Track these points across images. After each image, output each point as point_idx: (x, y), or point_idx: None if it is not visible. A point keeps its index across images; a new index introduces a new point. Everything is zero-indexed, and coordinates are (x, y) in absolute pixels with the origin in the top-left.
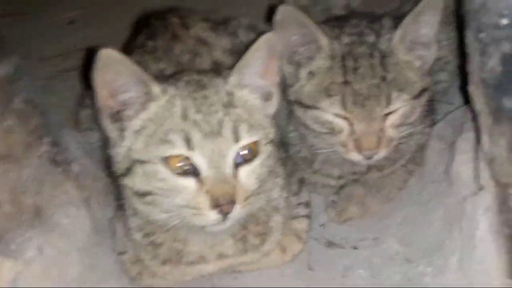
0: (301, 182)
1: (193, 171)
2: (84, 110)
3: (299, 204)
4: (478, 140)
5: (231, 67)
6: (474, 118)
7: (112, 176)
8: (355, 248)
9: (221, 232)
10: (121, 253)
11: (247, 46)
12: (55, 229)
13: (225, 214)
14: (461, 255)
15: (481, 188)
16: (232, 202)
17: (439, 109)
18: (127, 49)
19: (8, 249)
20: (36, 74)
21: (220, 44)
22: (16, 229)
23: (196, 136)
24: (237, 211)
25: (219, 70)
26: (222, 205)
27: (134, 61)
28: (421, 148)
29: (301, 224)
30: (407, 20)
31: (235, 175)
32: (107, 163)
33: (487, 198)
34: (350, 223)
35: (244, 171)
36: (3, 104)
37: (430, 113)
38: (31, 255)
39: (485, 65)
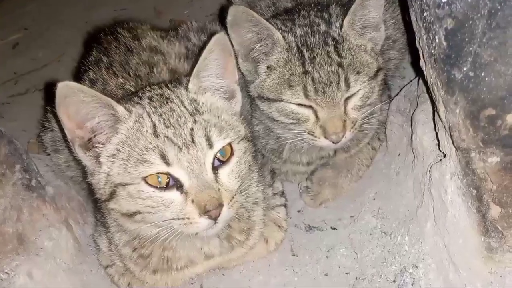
0: (273, 173)
1: (175, 184)
2: (47, 133)
3: (274, 194)
4: (434, 110)
5: (187, 74)
6: (428, 90)
7: (95, 200)
8: (334, 228)
9: (214, 235)
10: (108, 266)
11: (200, 49)
12: (40, 253)
13: (215, 218)
14: (435, 220)
15: (444, 155)
16: (220, 205)
17: (393, 84)
18: (82, 67)
19: None
20: None
21: (174, 51)
22: (3, 258)
23: (171, 152)
24: (226, 213)
25: (178, 78)
26: (211, 210)
27: (90, 78)
28: (382, 124)
29: (279, 213)
30: (355, 6)
31: (216, 179)
32: (89, 190)
33: (451, 164)
34: (326, 206)
35: (224, 173)
36: None
37: (385, 90)
38: (22, 282)
39: (431, 42)
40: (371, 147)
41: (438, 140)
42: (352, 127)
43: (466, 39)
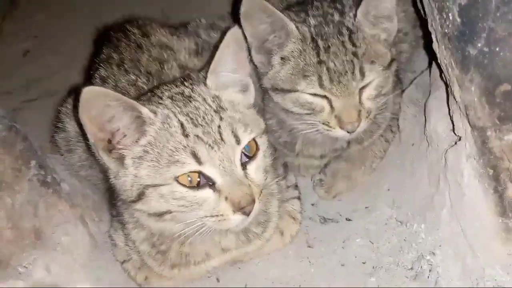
0: (286, 166)
1: (207, 182)
2: (60, 134)
3: (288, 187)
4: (448, 94)
5: (199, 69)
6: (441, 74)
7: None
8: (349, 219)
9: (243, 228)
10: (124, 262)
11: (215, 46)
12: (57, 248)
13: (248, 214)
14: (451, 206)
15: (459, 138)
16: (253, 201)
17: (405, 78)
18: (92, 65)
19: (16, 272)
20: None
21: (184, 47)
22: (20, 252)
23: (202, 150)
24: (257, 208)
25: (189, 74)
26: (245, 206)
27: (102, 76)
28: (395, 116)
29: (294, 206)
30: None
31: (245, 175)
32: (110, 192)
33: (467, 146)
34: (340, 198)
35: (252, 168)
36: None
37: (398, 83)
38: (41, 275)
39: (445, 21)
40: (384, 139)
41: (452, 124)
42: (367, 117)
43: (480, 15)
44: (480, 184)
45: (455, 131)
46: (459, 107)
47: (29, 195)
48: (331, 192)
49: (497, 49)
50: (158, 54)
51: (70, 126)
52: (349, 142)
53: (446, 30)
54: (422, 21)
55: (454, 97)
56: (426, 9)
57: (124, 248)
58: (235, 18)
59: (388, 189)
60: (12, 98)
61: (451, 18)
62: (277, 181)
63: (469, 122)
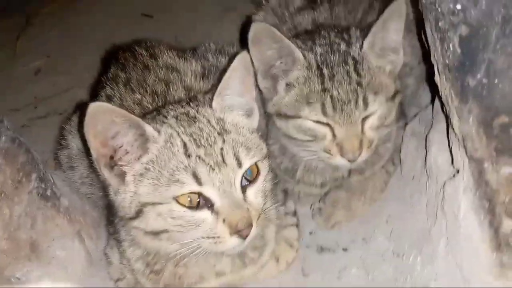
0: (285, 192)
1: (206, 204)
2: (63, 150)
3: (287, 213)
4: (448, 125)
5: (206, 92)
6: (442, 106)
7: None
8: (345, 250)
9: (239, 252)
10: (118, 280)
11: (223, 69)
12: (52, 262)
13: (244, 237)
14: (447, 239)
15: (458, 170)
16: (250, 225)
17: (410, 112)
18: (99, 83)
19: (10, 282)
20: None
21: (191, 69)
22: (15, 263)
23: (203, 171)
24: (254, 231)
25: (195, 96)
26: (242, 230)
27: (107, 94)
28: (397, 149)
29: (291, 233)
30: (375, 28)
31: (245, 198)
32: (109, 208)
33: (464, 179)
34: (339, 227)
35: (252, 192)
36: None
37: (402, 116)
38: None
39: (446, 51)
40: (386, 171)
41: (451, 156)
42: (368, 147)
43: (480, 46)
44: (476, 217)
45: (454, 164)
46: (458, 139)
47: (27, 207)
48: (329, 221)
49: (496, 81)
50: (164, 76)
51: (73, 143)
52: (350, 172)
53: (447, 61)
54: (426, 55)
55: (453, 129)
56: (429, 40)
57: (119, 266)
58: (243, 44)
59: (387, 221)
60: (20, 115)
61: (451, 48)
62: (275, 207)
63: (466, 153)
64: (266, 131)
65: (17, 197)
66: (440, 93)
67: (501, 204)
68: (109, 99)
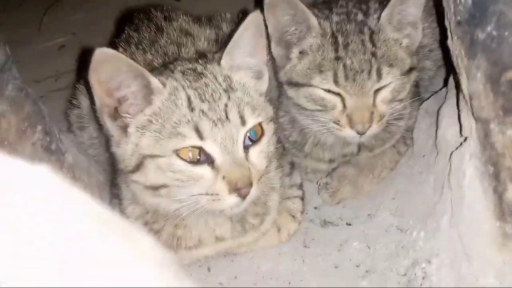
0: (292, 164)
1: (206, 159)
2: (73, 110)
3: (292, 185)
4: (458, 95)
5: (215, 51)
6: (455, 75)
7: (110, 170)
8: (349, 224)
9: (239, 213)
10: None
11: (234, 28)
12: None
13: (244, 197)
14: (452, 212)
15: (465, 138)
16: (250, 184)
17: (426, 97)
18: (112, 44)
19: None
20: None
21: (205, 35)
22: None
23: (205, 126)
24: (254, 192)
25: (204, 54)
26: (241, 188)
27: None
28: (410, 130)
29: (295, 204)
30: (394, 0)
31: (246, 157)
32: (111, 160)
33: (471, 144)
34: (344, 204)
35: (254, 152)
36: None
37: (417, 98)
38: None
39: (457, 5)
40: (397, 151)
41: (460, 125)
42: (379, 120)
43: None
44: (480, 184)
45: (462, 132)
46: (466, 102)
47: (30, 158)
48: (335, 196)
49: (506, 33)
50: (177, 38)
51: (84, 102)
52: (359, 148)
53: (458, 17)
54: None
55: (462, 92)
56: (444, 2)
57: None
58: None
59: (393, 198)
60: (41, 86)
61: (463, 1)
62: (280, 177)
63: (473, 114)
64: (277, 104)
65: (20, 146)
66: (452, 58)
67: (506, 169)
68: None
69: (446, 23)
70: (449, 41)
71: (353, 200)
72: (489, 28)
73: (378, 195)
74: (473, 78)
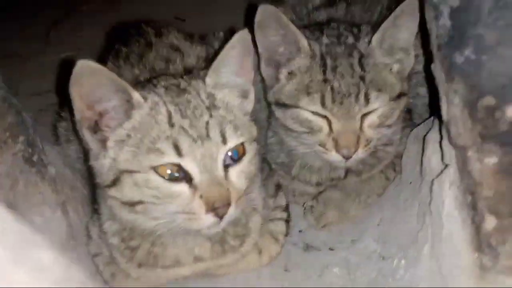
0: (278, 186)
1: (184, 177)
2: (61, 122)
3: (276, 207)
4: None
5: (202, 68)
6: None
7: (92, 185)
8: (331, 249)
9: (215, 234)
10: (96, 255)
11: (221, 46)
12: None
13: (221, 217)
14: (432, 240)
15: (446, 165)
16: (228, 204)
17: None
18: (102, 58)
19: None
20: (28, 107)
21: (195, 52)
22: None
23: (185, 143)
24: (232, 212)
25: (192, 72)
26: (218, 208)
27: (108, 68)
28: (400, 156)
29: (277, 227)
30: (386, 24)
31: (226, 177)
32: (89, 174)
33: (451, 172)
34: (329, 228)
35: (234, 172)
36: None
37: (409, 124)
38: None
39: (437, 26)
40: (385, 176)
41: (442, 151)
42: (366, 145)
43: (471, 20)
44: (459, 215)
45: (443, 159)
46: (446, 128)
47: (10, 168)
48: (320, 221)
49: (484, 58)
50: (166, 54)
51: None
52: (347, 173)
53: (439, 41)
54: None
55: (442, 117)
56: (428, 25)
57: (97, 241)
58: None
59: (378, 224)
60: (40, 99)
61: (442, 21)
62: (263, 198)
63: (450, 139)
64: (267, 124)
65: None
66: (436, 82)
67: (484, 199)
68: None
69: (432, 47)
70: (432, 66)
71: (339, 225)
72: (467, 52)
73: (364, 220)
74: (451, 103)
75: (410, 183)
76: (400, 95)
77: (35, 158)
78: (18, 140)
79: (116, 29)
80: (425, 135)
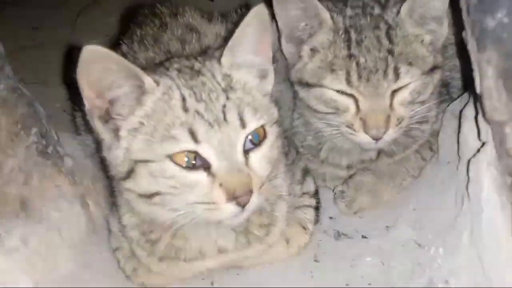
0: (306, 171)
1: (202, 164)
2: (79, 113)
3: (303, 193)
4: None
5: (217, 48)
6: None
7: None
8: (364, 237)
9: (239, 224)
10: (117, 249)
11: (236, 22)
12: (43, 222)
13: (243, 206)
14: (471, 228)
15: (483, 143)
16: (249, 191)
17: None
18: (117, 41)
19: None
20: (57, 97)
21: (213, 31)
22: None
23: (201, 128)
24: (255, 200)
25: (207, 52)
26: (239, 196)
27: (122, 52)
28: (437, 134)
29: (306, 214)
30: None
31: (246, 163)
32: (104, 166)
33: (488, 151)
34: (362, 214)
35: (256, 157)
36: None
37: (446, 99)
38: (13, 245)
39: None
40: (421, 157)
41: (478, 128)
42: (397, 124)
43: None
44: (499, 198)
45: (480, 137)
46: (480, 102)
47: (23, 162)
48: (352, 206)
49: None
50: (181, 35)
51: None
52: (378, 154)
53: (468, 4)
54: None
55: (476, 90)
56: None
57: (117, 234)
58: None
59: (414, 209)
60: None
61: None
62: (289, 184)
63: (485, 115)
64: (293, 104)
65: (11, 149)
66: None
67: None
68: (124, 57)
69: (461, 11)
70: (464, 33)
71: (371, 211)
72: (499, 15)
73: (398, 205)
74: (484, 73)
75: (448, 163)
76: (433, 68)
77: (49, 150)
78: (30, 132)
79: (131, 11)
80: (461, 111)
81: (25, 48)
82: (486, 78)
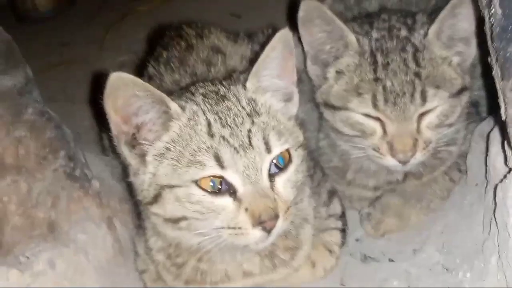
0: (332, 193)
1: (228, 189)
2: (106, 134)
3: (330, 216)
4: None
5: (242, 71)
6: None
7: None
8: (391, 260)
9: (264, 249)
10: (143, 272)
11: (261, 46)
12: (70, 245)
13: (269, 231)
14: (498, 252)
15: (509, 170)
16: (275, 216)
17: None
18: (143, 61)
19: (17, 261)
20: (81, 115)
21: (238, 52)
22: (27, 242)
23: (226, 153)
24: (280, 225)
25: (232, 76)
26: (265, 221)
27: (149, 74)
28: (465, 155)
29: (332, 237)
30: (443, 13)
31: (272, 187)
32: (130, 190)
33: None
34: (389, 237)
35: (281, 181)
36: (13, 115)
37: (475, 119)
38: (41, 269)
39: (490, 16)
40: (449, 178)
41: (504, 154)
42: (424, 148)
43: None
44: None
45: (507, 162)
46: (505, 129)
47: (51, 186)
48: (379, 229)
49: None
50: (207, 57)
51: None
52: (406, 175)
53: (490, 29)
54: None
55: (502, 118)
56: (481, 12)
57: (144, 257)
58: (290, 22)
59: (442, 232)
60: None
61: (493, 11)
62: (315, 207)
63: (510, 143)
64: (319, 125)
65: (39, 173)
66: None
67: None
68: (150, 79)
69: (489, 44)
70: (489, 59)
71: (399, 233)
72: None
73: (426, 227)
74: (510, 102)
75: (476, 185)
76: (461, 90)
77: (77, 172)
78: (58, 155)
79: (157, 32)
80: (489, 132)
81: (53, 65)
82: (511, 107)
